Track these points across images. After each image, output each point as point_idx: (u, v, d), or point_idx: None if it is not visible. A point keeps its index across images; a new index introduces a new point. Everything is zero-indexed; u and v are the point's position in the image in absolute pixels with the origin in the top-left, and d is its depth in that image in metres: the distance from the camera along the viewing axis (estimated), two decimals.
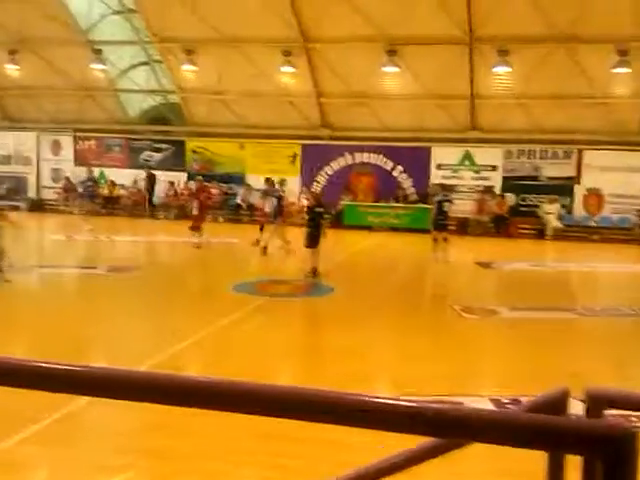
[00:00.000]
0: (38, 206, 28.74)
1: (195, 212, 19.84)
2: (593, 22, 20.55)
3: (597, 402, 1.59)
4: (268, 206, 19.76)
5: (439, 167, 26.09)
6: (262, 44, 23.68)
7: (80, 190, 26.21)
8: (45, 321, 10.44)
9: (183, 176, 28.16)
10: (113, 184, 28.50)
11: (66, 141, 29.25)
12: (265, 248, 17.94)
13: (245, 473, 5.05)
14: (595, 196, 25.04)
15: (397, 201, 26.16)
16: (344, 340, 9.29)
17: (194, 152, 28.21)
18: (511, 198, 25.52)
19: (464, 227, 24.91)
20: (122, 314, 11.13)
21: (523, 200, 25.52)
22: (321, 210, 15.46)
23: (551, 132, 24.39)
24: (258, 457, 5.22)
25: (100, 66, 25.91)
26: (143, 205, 27.63)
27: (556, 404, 1.62)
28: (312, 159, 26.87)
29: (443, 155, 26.01)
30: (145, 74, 27.90)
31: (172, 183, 28.00)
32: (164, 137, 28.63)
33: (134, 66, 27.63)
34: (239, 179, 27.65)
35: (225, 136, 27.58)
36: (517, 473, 4.17)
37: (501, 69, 22.81)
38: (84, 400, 5.76)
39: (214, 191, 27.36)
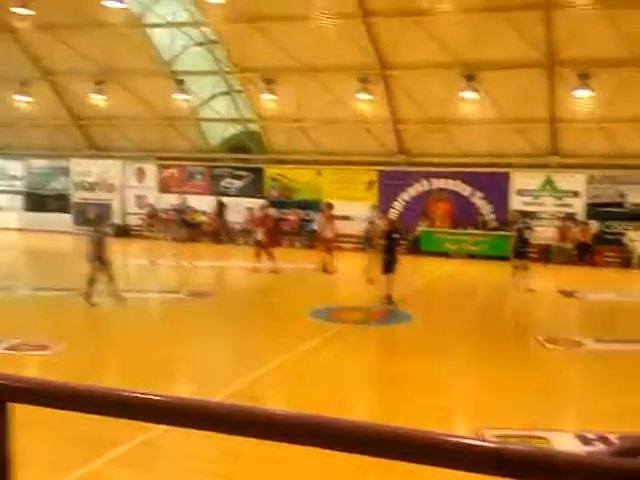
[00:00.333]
0: (123, 232, 29.68)
1: (260, 238, 20.09)
2: None
3: None
4: (330, 231, 19.94)
5: (519, 193, 25.56)
6: (339, 72, 23.93)
7: (164, 216, 27.01)
8: (131, 343, 10.75)
9: (261, 203, 28.60)
10: (194, 211, 29.18)
11: (150, 169, 30.21)
12: (370, 278, 17.46)
13: None
14: None
15: (476, 228, 25.75)
16: (423, 370, 9.16)
17: (272, 179, 28.63)
18: (595, 225, 24.72)
19: (546, 255, 24.24)
20: (203, 338, 11.33)
21: (607, 227, 24.66)
22: (397, 236, 15.39)
23: (634, 157, 23.57)
24: None
25: (182, 96, 26.73)
26: (221, 231, 28.16)
27: None
28: (389, 185, 26.82)
29: (523, 181, 25.49)
30: (226, 103, 28.60)
31: (251, 210, 28.45)
32: (244, 165, 29.19)
33: (215, 96, 28.38)
34: (316, 205, 27.85)
35: (302, 163, 27.89)
36: None
37: (582, 92, 22.27)
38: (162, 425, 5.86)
39: (292, 218, 27.68)
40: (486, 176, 25.52)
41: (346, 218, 27.17)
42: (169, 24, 24.64)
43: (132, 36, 24.66)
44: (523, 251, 17.72)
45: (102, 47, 24.88)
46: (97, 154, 30.57)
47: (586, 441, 6.24)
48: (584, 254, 24.22)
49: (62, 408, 1.59)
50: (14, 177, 32.04)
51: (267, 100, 25.71)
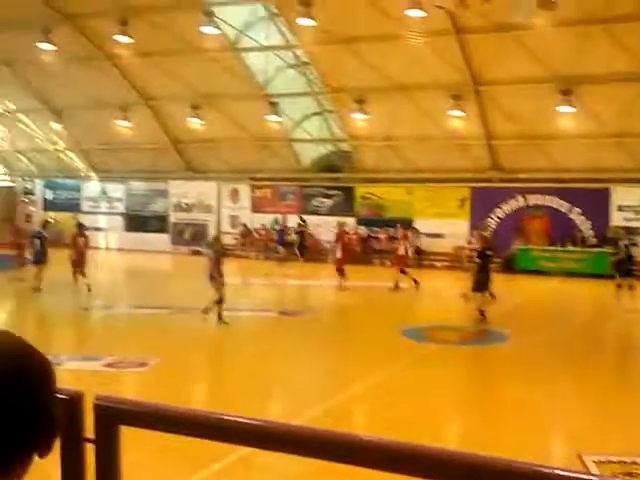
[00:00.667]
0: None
1: (338, 255, 20.31)
2: None
3: None
4: (403, 249, 19.91)
5: (620, 209, 24.55)
6: (431, 89, 23.77)
7: (257, 236, 27.50)
8: (225, 361, 10.94)
9: (352, 221, 28.69)
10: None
11: (244, 189, 30.89)
12: (465, 295, 17.29)
13: None
14: None
15: (574, 245, 24.86)
16: (520, 392, 8.87)
17: (363, 198, 28.68)
18: None
19: None
20: (294, 356, 11.41)
21: None
22: (490, 253, 15.09)
23: None
24: None
25: (276, 118, 27.24)
26: (313, 249, 28.37)
27: None
28: (481, 202, 26.33)
29: (625, 196, 24.46)
30: (317, 123, 28.94)
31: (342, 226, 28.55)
32: (334, 184, 29.41)
33: (307, 116, 28.77)
34: (406, 224, 27.67)
35: (393, 181, 27.82)
36: None
37: None
38: None
39: (382, 236, 27.59)
40: (584, 191, 24.67)
41: (438, 236, 26.91)
42: (263, 48, 25.21)
43: (227, 60, 25.37)
44: (629, 269, 16.97)
45: (199, 72, 25.71)
46: (194, 176, 31.50)
47: None
48: None
49: (171, 432, 1.63)
50: (115, 199, 33.44)
51: (358, 119, 25.83)
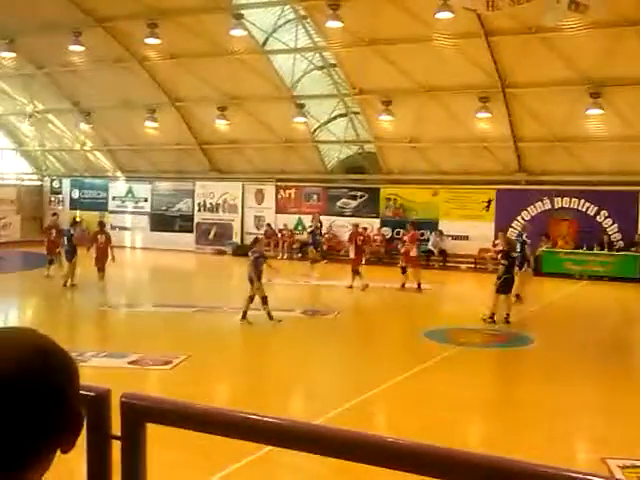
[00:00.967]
0: (242, 251, 30.49)
1: (352, 256, 20.33)
2: None
3: None
4: (413, 251, 19.94)
5: None
6: (458, 91, 23.66)
7: (280, 236, 27.56)
8: (249, 359, 11.00)
9: (376, 222, 28.65)
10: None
11: (268, 190, 30.97)
12: (518, 296, 17.19)
13: None
14: None
15: (601, 248, 24.59)
16: (544, 396, 8.81)
17: (388, 199, 28.62)
18: None
19: None
20: (317, 356, 11.44)
21: None
22: (515, 255, 15.05)
23: None
24: None
25: (302, 119, 27.29)
26: (336, 250, 28.35)
27: None
28: (507, 204, 26.14)
29: None
30: (343, 125, 28.93)
31: (365, 229, 28.53)
32: (359, 185, 29.38)
33: (333, 118, 28.78)
34: (431, 225, 27.57)
35: (418, 183, 27.72)
36: None
37: None
38: None
39: (406, 238, 27.44)
40: (613, 194, 24.39)
41: (463, 238, 26.78)
42: (291, 50, 25.28)
43: (255, 62, 25.49)
44: None
45: (226, 74, 25.85)
46: (219, 176, 31.66)
47: None
48: None
49: (197, 430, 1.66)
50: (141, 199, 33.73)
51: (384, 121, 25.80)
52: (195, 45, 24.54)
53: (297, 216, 29.93)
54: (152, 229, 33.15)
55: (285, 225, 29.88)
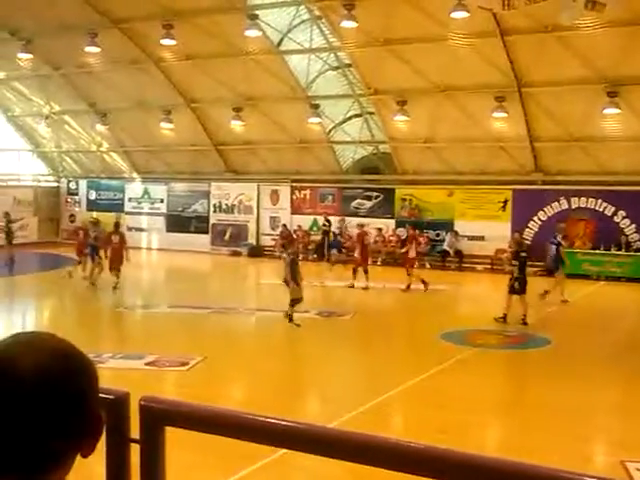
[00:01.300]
0: (257, 251, 30.57)
1: (357, 256, 20.70)
2: None
3: None
4: (412, 251, 20.13)
5: None
6: (474, 91, 23.55)
7: (295, 237, 27.53)
8: (264, 360, 11.00)
9: (392, 223, 28.58)
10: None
11: (284, 191, 30.99)
12: (546, 292, 17.38)
13: None
14: None
15: (619, 248, 24.39)
16: (562, 398, 8.74)
17: (403, 200, 28.54)
18: None
19: None
20: (333, 357, 11.42)
21: None
22: (525, 255, 15.02)
23: None
24: None
25: (317, 120, 27.27)
26: (350, 251, 28.29)
27: None
28: (524, 205, 25.98)
29: None
30: (358, 125, 28.89)
31: (380, 230, 28.49)
32: (374, 185, 29.32)
33: (348, 118, 28.75)
34: (447, 226, 27.46)
35: (433, 183, 27.63)
36: None
37: None
38: None
39: (422, 238, 27.41)
40: (630, 195, 24.18)
41: (479, 238, 26.66)
42: (306, 50, 25.29)
43: (270, 63, 25.52)
44: None
45: (241, 75, 25.89)
46: (235, 177, 31.72)
47: None
48: None
49: (216, 433, 1.66)
50: (157, 200, 33.86)
51: (399, 121, 25.74)
52: (210, 46, 24.61)
53: (312, 217, 29.93)
54: (168, 230, 33.26)
55: (299, 226, 29.89)
